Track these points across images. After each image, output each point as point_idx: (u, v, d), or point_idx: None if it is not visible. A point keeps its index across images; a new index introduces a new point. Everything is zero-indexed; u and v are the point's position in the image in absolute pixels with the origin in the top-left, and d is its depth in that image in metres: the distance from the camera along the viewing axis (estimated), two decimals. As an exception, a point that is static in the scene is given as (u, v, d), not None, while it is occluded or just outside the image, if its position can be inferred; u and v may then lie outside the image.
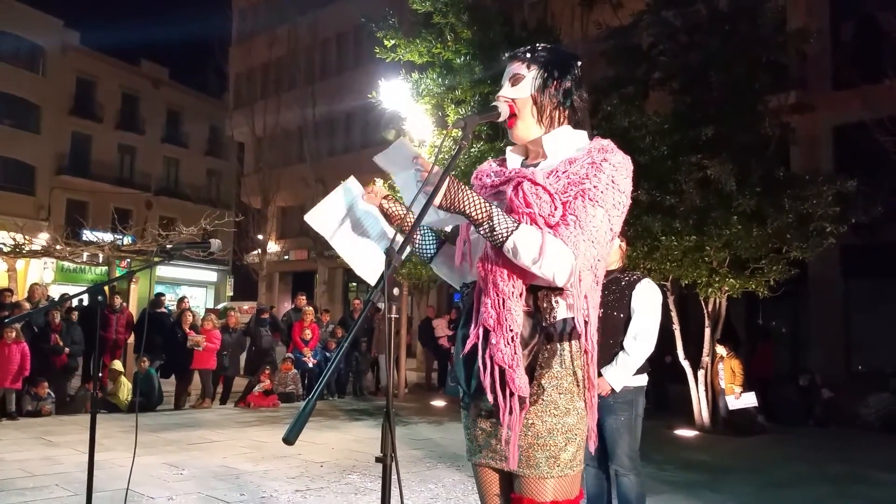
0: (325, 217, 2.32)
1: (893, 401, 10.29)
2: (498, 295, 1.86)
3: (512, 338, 1.83)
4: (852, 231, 9.49)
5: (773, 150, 9.82)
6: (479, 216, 1.80)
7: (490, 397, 1.85)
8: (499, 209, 1.82)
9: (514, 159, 2.15)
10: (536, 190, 1.86)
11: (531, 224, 1.82)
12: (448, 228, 2.12)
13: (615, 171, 1.90)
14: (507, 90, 2.06)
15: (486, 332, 1.86)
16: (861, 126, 12.36)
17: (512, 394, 1.84)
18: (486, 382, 1.84)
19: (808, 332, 15.21)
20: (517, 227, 1.80)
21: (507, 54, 2.15)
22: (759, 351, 12.34)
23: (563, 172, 1.91)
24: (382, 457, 1.63)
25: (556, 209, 1.85)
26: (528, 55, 2.07)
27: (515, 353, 1.83)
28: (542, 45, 2.12)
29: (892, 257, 13.69)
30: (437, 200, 1.77)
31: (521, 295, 1.87)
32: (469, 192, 1.82)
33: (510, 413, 1.84)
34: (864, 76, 13.06)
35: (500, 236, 1.80)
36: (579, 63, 2.11)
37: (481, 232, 1.82)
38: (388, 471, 1.63)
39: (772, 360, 12.21)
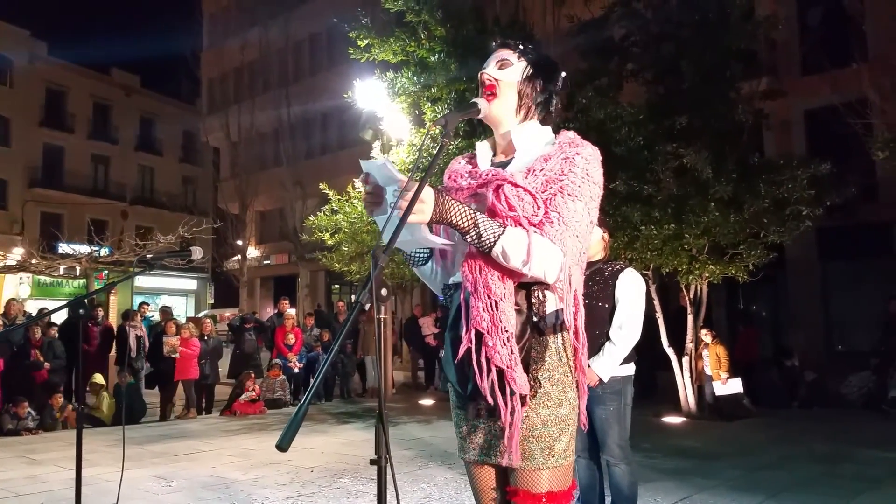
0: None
1: (873, 379, 10.44)
2: (489, 297, 1.86)
3: (507, 338, 1.85)
4: (827, 213, 9.62)
5: (747, 137, 9.91)
6: (466, 224, 1.81)
7: (490, 400, 1.86)
8: (483, 216, 1.83)
9: (484, 155, 2.16)
10: (518, 192, 1.88)
11: (516, 226, 1.84)
12: (411, 247, 2.10)
13: (588, 164, 1.94)
14: (493, 70, 2.09)
15: (479, 335, 1.87)
16: (831, 110, 12.51)
17: (513, 393, 1.85)
18: (486, 385, 1.85)
19: (788, 315, 15.39)
20: (503, 232, 1.81)
21: (496, 41, 2.18)
22: (742, 336, 12.45)
23: (540, 170, 1.94)
24: (377, 458, 1.62)
25: (538, 209, 1.87)
26: (520, 47, 2.11)
27: (512, 353, 1.85)
28: (531, 45, 2.16)
29: (867, 238, 13.90)
30: (427, 216, 1.77)
31: (511, 295, 1.88)
32: (453, 201, 1.82)
33: (513, 413, 1.86)
34: (832, 61, 13.23)
35: (487, 242, 1.81)
36: (563, 75, 2.16)
37: (468, 239, 1.83)
38: (384, 472, 1.63)
39: (756, 345, 12.32)
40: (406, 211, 1.70)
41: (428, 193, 1.76)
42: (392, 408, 11.22)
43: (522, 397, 1.87)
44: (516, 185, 1.89)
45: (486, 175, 1.98)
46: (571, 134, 2.03)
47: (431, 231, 1.90)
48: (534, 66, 2.09)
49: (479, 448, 2.01)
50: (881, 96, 11.09)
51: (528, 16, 14.00)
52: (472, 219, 1.81)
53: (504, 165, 2.05)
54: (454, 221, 1.81)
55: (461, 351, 1.90)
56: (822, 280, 15.08)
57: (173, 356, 10.71)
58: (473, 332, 1.87)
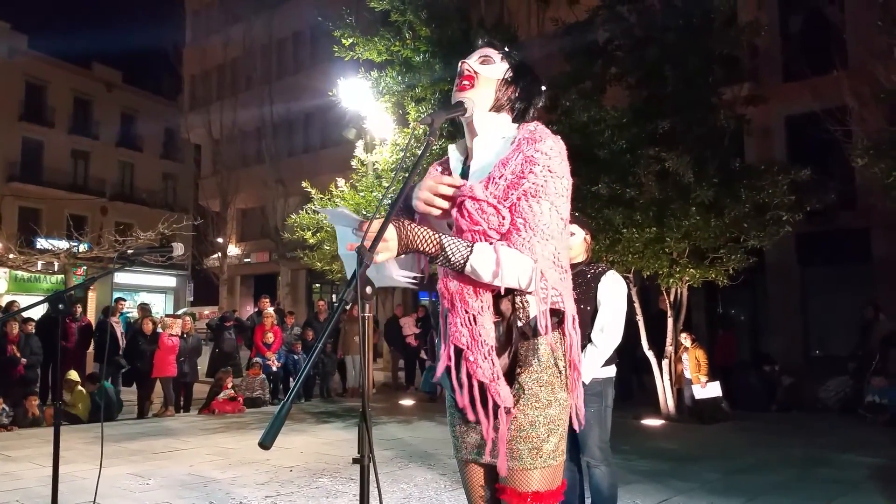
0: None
1: (851, 384, 10.55)
2: (467, 312, 1.87)
3: (489, 352, 1.85)
4: (806, 219, 9.71)
5: (729, 142, 10.01)
6: (433, 249, 1.81)
7: (471, 416, 1.86)
8: (449, 238, 1.83)
9: (455, 159, 2.16)
10: (479, 205, 1.87)
11: (483, 240, 1.84)
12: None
13: (548, 160, 1.90)
14: (473, 62, 2.09)
15: (459, 351, 1.87)
16: (811, 116, 12.63)
17: (497, 406, 1.85)
18: (466, 402, 1.86)
19: (767, 319, 15.52)
20: (471, 251, 1.81)
21: (483, 39, 2.19)
22: (721, 339, 12.54)
23: (500, 177, 1.91)
24: (360, 458, 1.61)
25: (504, 218, 1.86)
26: (505, 49, 2.12)
27: (494, 367, 1.85)
28: (518, 53, 2.16)
29: (846, 243, 14.05)
30: (394, 251, 1.77)
31: (489, 307, 1.88)
32: (416, 229, 1.81)
33: (497, 428, 1.87)
34: (812, 68, 13.36)
35: (457, 264, 1.82)
36: (543, 88, 2.15)
37: (439, 262, 1.84)
38: (366, 472, 1.62)
39: (735, 349, 12.41)
40: (369, 252, 1.67)
41: (390, 232, 1.76)
42: (372, 407, 11.03)
43: (507, 409, 1.87)
44: (476, 199, 1.87)
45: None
46: (533, 125, 2.01)
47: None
48: (515, 71, 2.08)
49: (472, 448, 2.01)
50: (861, 104, 11.21)
51: (513, 18, 14.05)
52: (437, 243, 1.81)
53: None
54: (421, 248, 1.81)
55: (439, 369, 1.90)
56: (801, 285, 15.22)
57: (171, 335, 10.71)
58: (452, 348, 1.87)
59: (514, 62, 2.10)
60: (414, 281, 1.99)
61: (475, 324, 1.85)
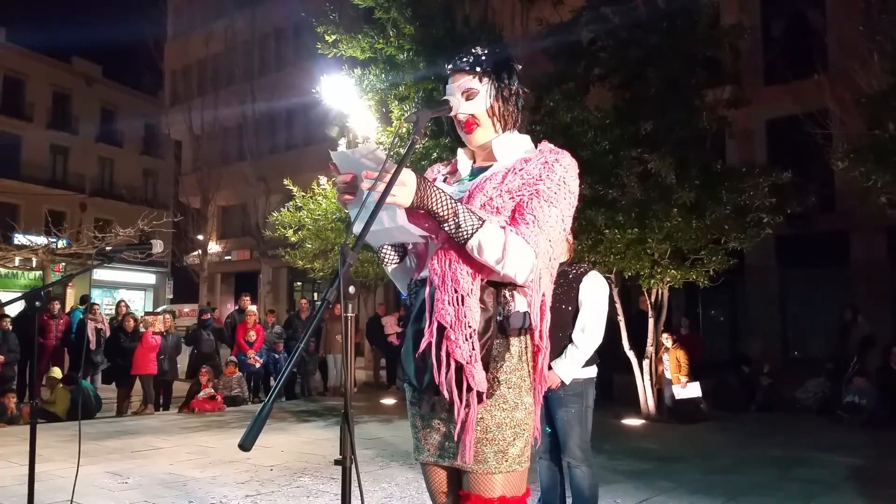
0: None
1: (829, 385, 10.66)
2: (456, 291, 1.85)
3: (470, 334, 1.84)
4: (786, 222, 9.79)
5: (710, 144, 10.07)
6: (445, 213, 1.80)
7: (446, 394, 1.85)
8: (464, 207, 1.83)
9: (464, 162, 2.16)
10: (488, 198, 1.91)
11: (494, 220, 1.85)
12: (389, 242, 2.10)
13: (566, 172, 1.94)
14: (464, 106, 2.06)
15: (441, 329, 1.86)
16: (792, 119, 12.76)
17: (470, 389, 1.84)
18: (442, 379, 1.84)
19: (746, 320, 15.65)
20: (482, 225, 1.81)
21: (449, 66, 2.13)
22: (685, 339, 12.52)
23: (520, 170, 1.93)
24: (342, 458, 1.59)
25: (506, 210, 1.89)
26: (476, 67, 2.06)
27: (473, 350, 1.84)
28: (479, 50, 2.11)
29: (825, 246, 14.21)
30: (408, 199, 1.75)
31: (478, 292, 1.88)
32: (435, 187, 1.81)
33: (467, 408, 1.85)
34: (794, 72, 13.49)
35: (464, 233, 1.80)
36: (519, 67, 2.14)
37: (445, 228, 1.82)
38: (348, 473, 1.60)
39: (700, 350, 12.29)
40: (385, 192, 1.68)
41: (409, 175, 1.75)
42: (354, 407, 11.04)
43: (479, 395, 1.85)
44: (485, 193, 1.91)
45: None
46: (551, 145, 2.04)
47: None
48: (496, 78, 2.06)
49: (434, 449, 1.99)
50: (841, 108, 11.32)
51: (497, 18, 14.04)
52: (452, 208, 1.80)
53: (485, 170, 2.05)
54: (433, 208, 1.79)
55: (422, 345, 1.88)
56: (780, 287, 15.37)
57: (154, 333, 10.67)
58: (436, 325, 1.86)
59: (489, 71, 2.06)
60: (425, 235, 1.92)
61: (462, 304, 1.84)
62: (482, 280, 1.88)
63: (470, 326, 1.84)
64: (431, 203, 1.78)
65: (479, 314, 1.86)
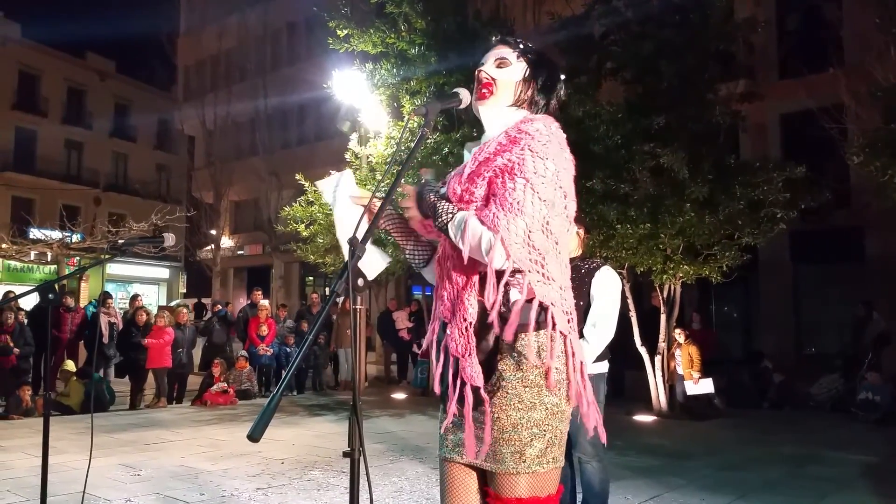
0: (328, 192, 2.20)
1: (842, 382, 10.58)
2: (453, 287, 1.88)
3: (466, 328, 1.84)
4: (800, 217, 9.71)
5: (724, 139, 9.99)
6: (427, 211, 1.93)
7: (437, 388, 1.87)
8: (443, 202, 1.90)
9: (468, 156, 2.14)
10: (460, 184, 1.94)
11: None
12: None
13: (531, 139, 1.85)
14: (490, 68, 2.04)
15: (444, 325, 1.89)
16: (807, 114, 12.65)
17: (464, 383, 1.83)
18: (437, 371, 1.88)
19: (760, 316, 15.55)
20: (452, 217, 1.86)
21: (496, 37, 2.17)
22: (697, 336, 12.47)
23: (480, 153, 1.93)
24: (350, 451, 1.59)
25: (473, 195, 1.89)
26: (520, 46, 2.07)
27: (469, 343, 1.83)
28: (531, 45, 2.12)
29: (839, 242, 14.08)
30: (418, 211, 1.93)
31: (474, 285, 1.87)
32: (430, 195, 1.93)
33: (460, 402, 1.85)
34: (808, 65, 13.37)
35: (441, 226, 1.88)
36: (563, 77, 2.11)
37: (436, 224, 1.89)
38: (357, 465, 1.60)
39: (713, 347, 12.25)
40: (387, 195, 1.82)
41: (408, 189, 1.95)
42: (364, 401, 11.17)
43: (476, 389, 1.82)
44: (460, 180, 1.94)
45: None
46: (538, 116, 1.97)
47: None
48: (533, 67, 2.03)
49: (452, 445, 1.97)
50: (857, 102, 11.21)
51: (509, 11, 13.99)
52: (432, 203, 1.91)
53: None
54: (427, 211, 1.93)
55: (425, 343, 1.95)
56: (794, 282, 15.26)
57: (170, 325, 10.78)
58: (438, 322, 1.89)
59: (531, 58, 2.05)
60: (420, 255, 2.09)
61: (458, 299, 1.86)
62: (477, 273, 1.87)
63: (465, 320, 1.84)
64: (425, 209, 1.93)
65: (477, 308, 1.85)
